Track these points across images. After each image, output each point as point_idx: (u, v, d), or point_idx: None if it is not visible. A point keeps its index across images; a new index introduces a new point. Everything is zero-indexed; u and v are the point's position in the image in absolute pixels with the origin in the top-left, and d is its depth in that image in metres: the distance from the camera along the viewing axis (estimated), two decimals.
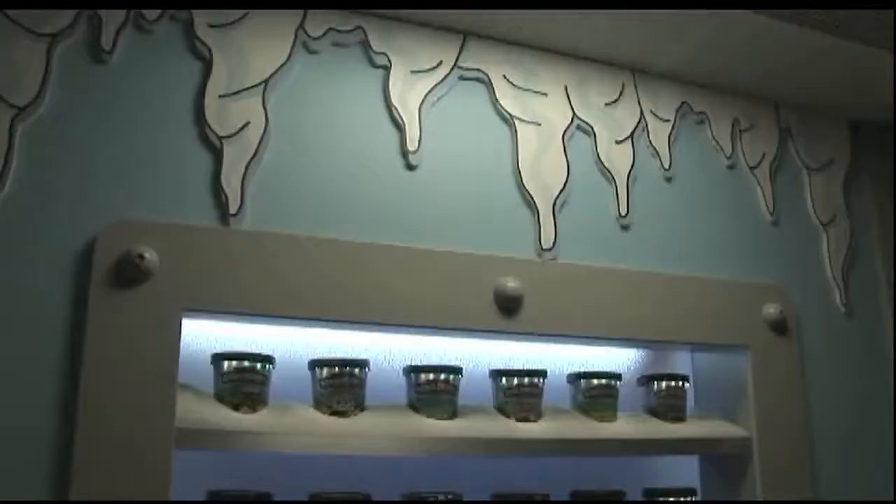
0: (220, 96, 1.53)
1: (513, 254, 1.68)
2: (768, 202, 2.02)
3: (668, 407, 1.76)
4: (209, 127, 1.51)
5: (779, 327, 1.86)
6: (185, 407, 1.37)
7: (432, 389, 1.55)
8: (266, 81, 1.58)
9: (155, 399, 1.33)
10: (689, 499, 1.74)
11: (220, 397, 1.46)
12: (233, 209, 1.49)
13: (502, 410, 1.62)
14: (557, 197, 1.76)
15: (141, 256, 1.35)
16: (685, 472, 1.87)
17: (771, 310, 1.86)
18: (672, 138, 1.95)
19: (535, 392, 1.63)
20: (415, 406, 1.56)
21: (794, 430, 1.83)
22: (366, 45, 1.68)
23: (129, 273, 1.35)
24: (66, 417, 1.30)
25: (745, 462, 1.78)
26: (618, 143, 1.88)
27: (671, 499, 1.72)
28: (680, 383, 1.78)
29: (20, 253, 1.35)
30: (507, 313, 1.59)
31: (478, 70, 1.77)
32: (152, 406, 1.33)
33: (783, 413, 1.83)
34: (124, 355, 1.33)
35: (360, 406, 1.51)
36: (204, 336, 1.53)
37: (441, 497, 1.51)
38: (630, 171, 1.87)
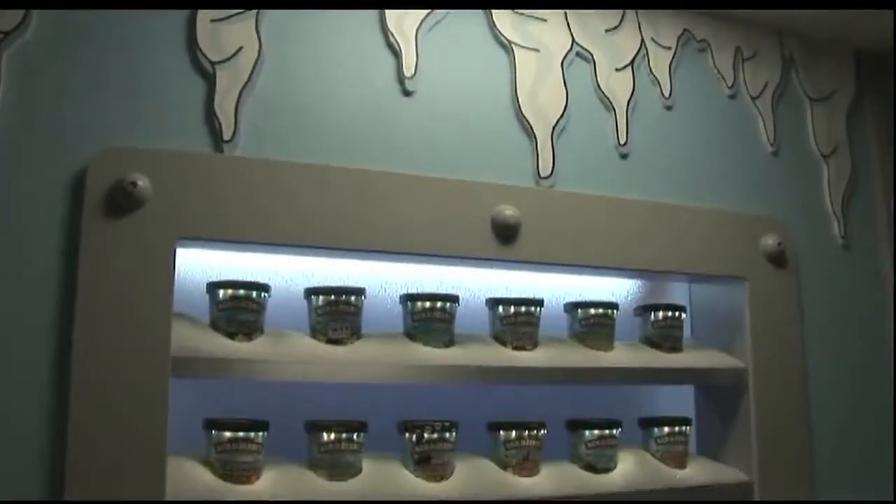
0: (212, 21, 1.50)
1: (510, 181, 1.66)
2: (769, 133, 2.00)
3: (665, 337, 1.76)
4: (201, 52, 1.48)
5: (777, 259, 1.86)
6: (180, 336, 1.37)
7: (429, 318, 1.55)
8: (259, 5, 1.54)
9: (150, 328, 1.33)
10: (683, 428, 1.75)
11: (215, 326, 1.45)
12: (226, 135, 1.47)
13: (499, 339, 1.62)
14: (556, 124, 1.74)
15: (133, 184, 1.34)
16: (681, 402, 1.88)
17: (769, 241, 1.85)
18: (673, 67, 1.91)
19: (531, 321, 1.62)
20: (411, 334, 1.56)
21: (790, 361, 1.84)
22: None
23: (121, 201, 1.34)
24: (62, 350, 1.30)
25: (741, 393, 1.79)
26: (618, 70, 1.85)
27: (666, 428, 1.73)
28: (677, 314, 1.78)
29: (9, 185, 1.33)
30: (505, 241, 1.58)
31: None
32: (148, 336, 1.33)
33: (779, 345, 1.83)
34: (118, 285, 1.32)
35: (356, 334, 1.51)
36: (199, 266, 1.53)
37: (437, 424, 1.52)
38: (630, 100, 1.84)
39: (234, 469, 1.40)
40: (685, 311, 1.81)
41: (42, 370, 1.30)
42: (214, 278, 1.49)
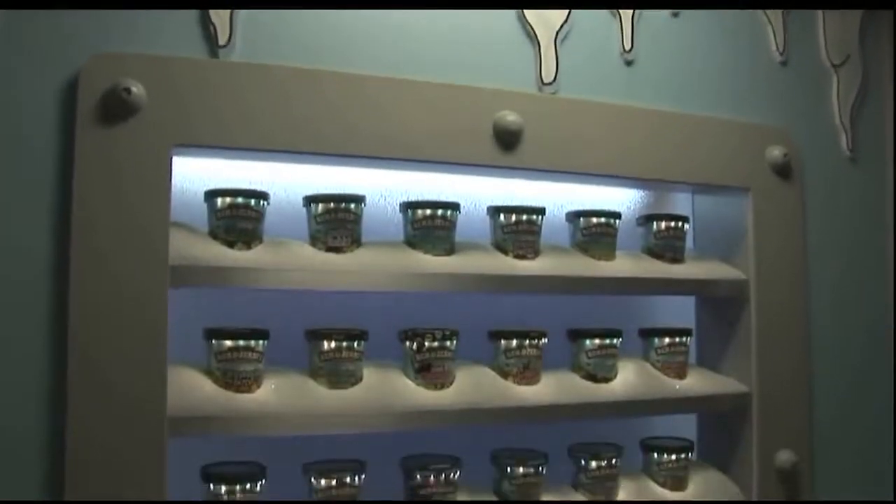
0: None
1: (513, 87, 1.62)
2: (778, 42, 1.94)
3: (667, 247, 1.75)
4: None
5: (782, 170, 1.83)
6: (178, 245, 1.35)
7: (429, 226, 1.54)
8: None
9: (148, 238, 1.32)
10: (683, 339, 1.75)
11: (214, 235, 1.44)
12: (222, 40, 1.44)
13: (500, 247, 1.61)
14: (559, 30, 1.69)
15: (127, 90, 1.30)
16: (681, 313, 1.88)
17: (775, 152, 1.82)
18: None
19: (533, 229, 1.61)
20: (411, 242, 1.55)
21: (792, 274, 1.83)
22: None
23: (115, 108, 1.31)
24: (58, 263, 1.29)
25: (741, 304, 1.79)
26: None
27: (667, 339, 1.73)
28: (679, 224, 1.76)
29: (1, 94, 1.30)
30: (506, 147, 1.55)
31: None
32: (145, 245, 1.31)
33: (782, 257, 1.82)
34: (114, 195, 1.30)
35: (356, 242, 1.50)
36: (196, 177, 1.51)
37: (437, 333, 1.52)
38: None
39: (234, 378, 1.41)
40: (688, 222, 1.79)
41: (39, 283, 1.29)
42: (212, 188, 1.47)
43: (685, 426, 1.86)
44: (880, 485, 1.96)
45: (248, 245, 1.44)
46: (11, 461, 1.27)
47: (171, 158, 1.34)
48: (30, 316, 1.29)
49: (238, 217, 1.43)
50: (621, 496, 1.66)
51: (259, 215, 1.46)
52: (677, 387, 1.72)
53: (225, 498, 1.40)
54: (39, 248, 1.30)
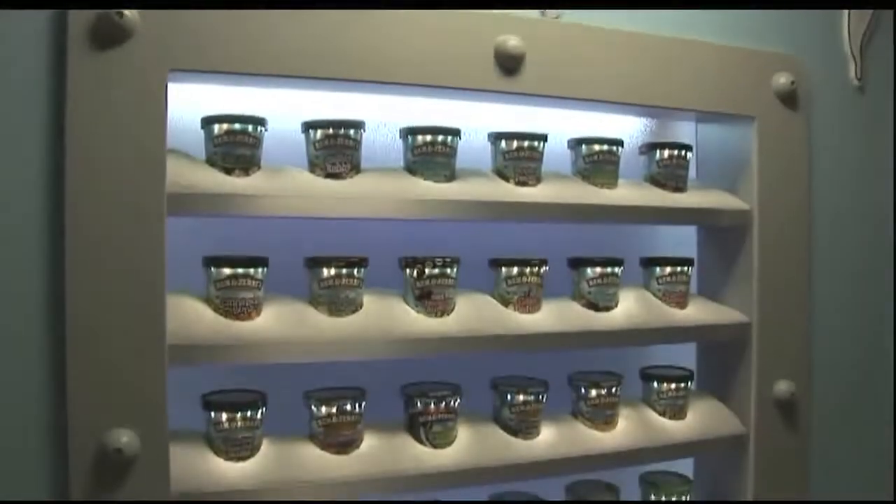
0: None
1: (514, 12, 1.58)
2: None
3: (670, 176, 1.73)
4: None
5: (788, 99, 1.79)
6: (175, 172, 1.33)
7: (429, 152, 1.52)
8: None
9: (144, 166, 1.29)
10: (685, 269, 1.74)
11: (211, 162, 1.42)
12: None
13: (501, 174, 1.59)
14: None
15: (119, 14, 1.26)
16: (683, 243, 1.87)
17: (781, 80, 1.78)
18: None
19: (534, 156, 1.59)
20: (411, 169, 1.53)
21: (795, 204, 1.81)
22: None
23: (108, 33, 1.27)
24: (54, 192, 1.27)
25: (744, 234, 1.77)
26: None
27: (668, 268, 1.73)
28: (682, 153, 1.74)
29: None
30: (508, 73, 1.51)
31: None
32: (142, 173, 1.29)
33: (785, 187, 1.79)
34: (109, 122, 1.28)
35: (355, 168, 1.48)
36: (193, 106, 1.47)
37: (438, 261, 1.51)
38: None
39: (234, 306, 1.40)
40: (691, 151, 1.77)
41: (34, 213, 1.28)
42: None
43: (685, 356, 1.86)
44: (877, 416, 1.97)
45: (245, 172, 1.42)
46: (12, 392, 1.27)
47: (167, 84, 1.31)
48: (25, 245, 1.27)
49: (235, 143, 1.41)
50: (621, 424, 1.68)
51: (257, 141, 1.43)
52: (678, 316, 1.71)
53: (226, 426, 1.41)
54: (32, 178, 1.28)
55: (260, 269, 1.43)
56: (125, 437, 1.26)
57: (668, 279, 1.73)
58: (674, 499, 1.73)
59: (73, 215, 1.26)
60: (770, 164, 1.77)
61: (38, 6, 1.28)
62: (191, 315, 1.38)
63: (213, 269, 1.41)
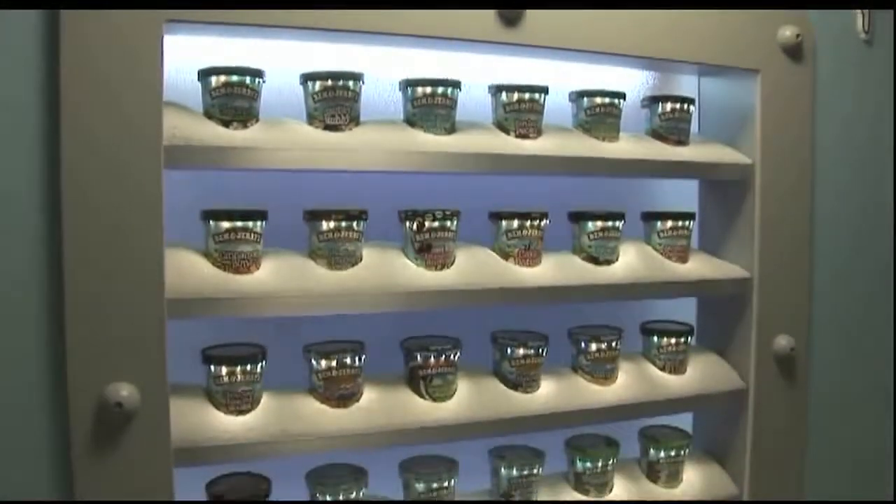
0: None
1: None
2: None
3: (672, 130, 1.71)
4: None
5: (793, 52, 1.77)
6: (172, 125, 1.32)
7: (429, 104, 1.50)
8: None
9: (140, 118, 1.27)
10: (686, 223, 1.73)
11: (208, 114, 1.41)
12: None
13: (501, 127, 1.58)
14: None
15: None
16: (685, 198, 1.86)
17: (787, 33, 1.75)
18: None
19: (535, 108, 1.57)
20: (411, 121, 1.52)
21: (798, 159, 1.79)
22: None
23: None
24: (49, 145, 1.26)
25: (746, 189, 1.76)
26: None
27: (669, 222, 1.72)
28: (685, 106, 1.72)
29: None
30: (509, 23, 1.49)
31: None
32: (138, 126, 1.27)
33: (789, 142, 1.77)
34: (104, 74, 1.25)
35: (354, 121, 1.46)
36: (190, 59, 1.46)
37: (438, 213, 1.50)
38: None
39: (232, 259, 1.40)
40: (693, 104, 1.75)
41: (29, 167, 1.26)
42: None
43: (685, 311, 1.86)
44: (877, 372, 1.97)
45: (243, 124, 1.40)
46: (10, 348, 1.27)
47: (163, 36, 1.29)
48: (22, 200, 1.26)
49: (233, 95, 1.40)
50: (621, 378, 1.68)
51: (255, 93, 1.42)
52: (679, 270, 1.71)
53: (226, 379, 1.41)
54: (28, 133, 1.26)
55: (259, 223, 1.42)
56: (125, 391, 1.26)
57: (669, 233, 1.72)
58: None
59: (69, 170, 1.24)
60: (773, 118, 1.75)
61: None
62: (189, 269, 1.37)
63: (211, 222, 1.40)
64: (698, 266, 1.74)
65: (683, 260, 1.73)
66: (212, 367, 1.42)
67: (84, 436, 1.26)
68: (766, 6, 1.73)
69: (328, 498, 1.48)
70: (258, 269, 1.42)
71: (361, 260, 1.48)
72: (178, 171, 1.34)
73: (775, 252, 1.76)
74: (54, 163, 1.25)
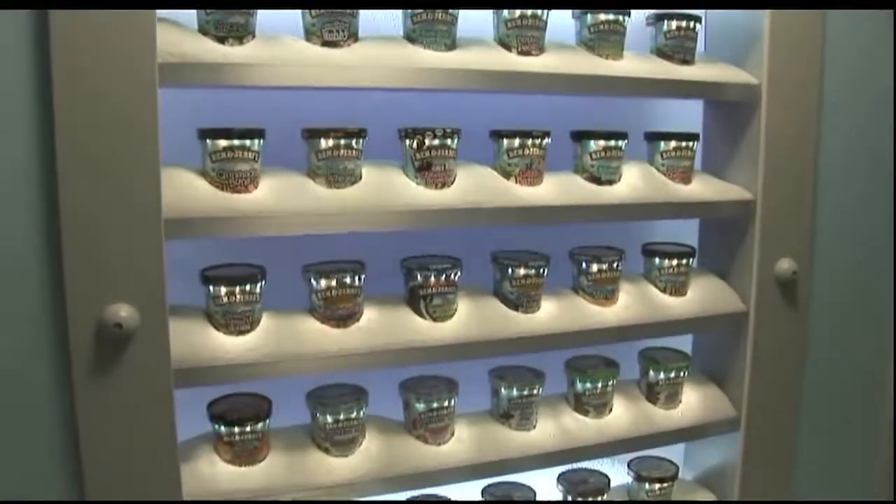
0: None
1: None
2: None
3: (677, 48, 1.68)
4: None
5: None
6: (166, 41, 1.28)
7: (430, 19, 1.46)
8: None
9: (134, 35, 1.24)
10: (690, 144, 1.71)
11: (203, 31, 1.37)
12: None
13: (503, 44, 1.54)
14: None
15: None
16: (688, 119, 1.83)
17: None
18: None
19: (538, 24, 1.54)
20: (411, 37, 1.48)
21: (806, 80, 1.75)
22: None
23: None
24: (42, 66, 1.22)
25: (752, 110, 1.73)
26: None
27: (673, 143, 1.69)
28: (691, 24, 1.68)
29: None
30: None
31: None
32: (131, 43, 1.24)
33: (797, 62, 1.73)
34: None
35: (353, 37, 1.43)
36: None
37: (438, 131, 1.47)
38: None
39: (230, 178, 1.38)
40: (699, 23, 1.71)
41: (23, 88, 1.22)
42: None
43: (687, 233, 1.85)
44: (877, 297, 1.96)
45: (239, 40, 1.37)
46: (8, 271, 1.26)
47: None
48: (16, 121, 1.23)
49: (228, 11, 1.35)
50: (622, 300, 1.68)
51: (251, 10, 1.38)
52: (682, 191, 1.69)
53: (225, 300, 1.40)
54: (19, 48, 1.22)
55: (256, 141, 1.40)
56: (124, 312, 1.26)
57: (673, 154, 1.70)
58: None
59: (62, 86, 1.21)
60: (782, 37, 1.70)
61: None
62: (186, 188, 1.35)
63: (208, 141, 1.38)
64: (701, 187, 1.72)
65: (686, 181, 1.71)
66: (211, 288, 1.41)
67: (84, 358, 1.26)
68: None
69: (329, 418, 1.49)
70: (256, 188, 1.40)
71: (361, 178, 1.46)
72: (173, 90, 1.31)
73: (780, 175, 1.73)
74: (47, 80, 1.22)
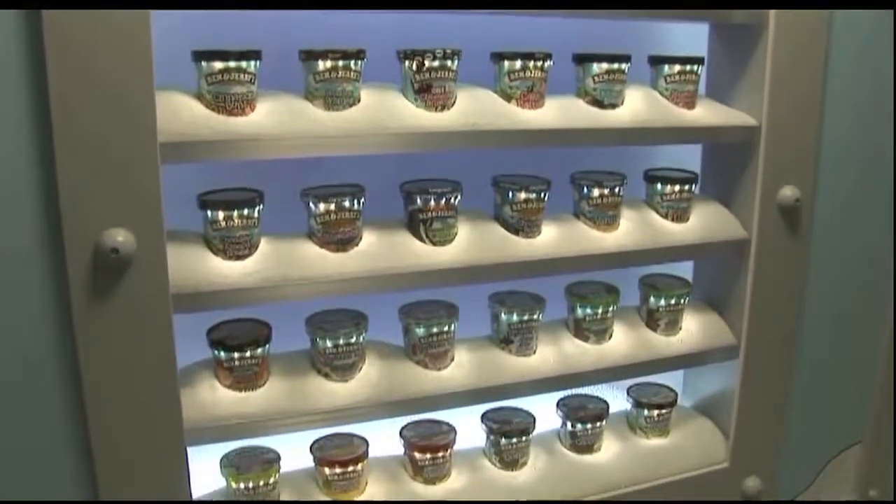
0: None
1: None
2: None
3: None
4: None
5: None
6: None
7: None
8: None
9: None
10: (694, 68, 1.67)
11: None
12: None
13: None
14: None
15: None
16: (693, 43, 1.79)
17: None
18: None
19: None
20: None
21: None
22: None
23: None
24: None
25: (758, 33, 1.68)
26: None
27: (677, 67, 1.66)
28: None
29: None
30: None
31: None
32: None
33: None
34: None
35: None
36: None
37: (438, 52, 1.44)
38: None
39: (226, 101, 1.35)
40: None
41: (12, 15, 1.18)
42: None
43: (690, 159, 1.83)
44: (879, 225, 1.95)
45: None
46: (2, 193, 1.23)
47: None
48: (7, 47, 1.19)
49: None
50: (623, 225, 1.66)
51: None
52: (686, 116, 1.66)
53: (223, 224, 1.39)
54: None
55: (252, 63, 1.37)
56: (121, 237, 1.24)
57: (677, 78, 1.66)
58: None
59: (52, 15, 1.17)
60: None
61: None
62: (182, 111, 1.33)
63: (203, 63, 1.35)
64: (705, 112, 1.69)
65: (690, 106, 1.68)
66: (208, 213, 1.40)
67: (83, 285, 1.25)
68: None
69: (328, 343, 1.49)
70: (253, 110, 1.37)
71: (359, 101, 1.43)
72: (166, 14, 1.27)
73: (786, 101, 1.70)
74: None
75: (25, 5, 1.17)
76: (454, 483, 1.65)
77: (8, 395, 1.28)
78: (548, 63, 1.53)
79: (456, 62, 1.46)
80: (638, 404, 1.82)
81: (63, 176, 1.22)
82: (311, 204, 1.45)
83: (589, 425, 1.75)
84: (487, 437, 1.70)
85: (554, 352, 1.67)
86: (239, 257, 1.40)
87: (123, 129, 1.23)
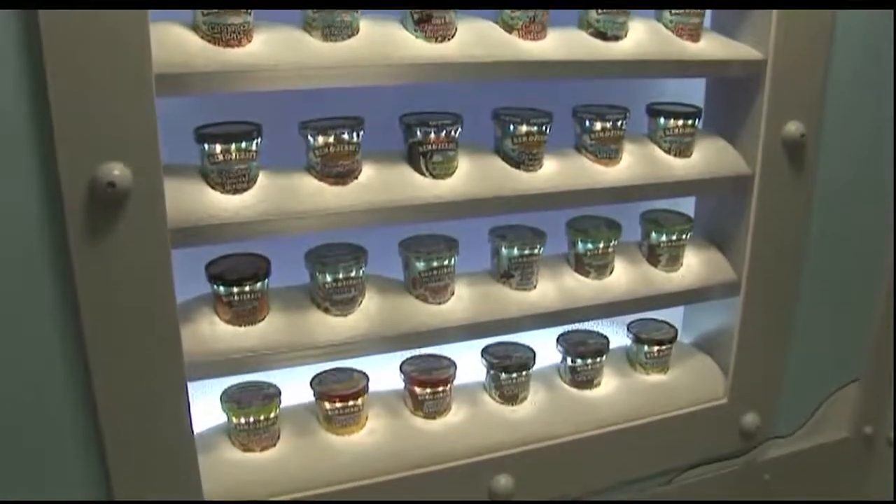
0: None
1: None
2: None
3: None
4: None
5: None
6: None
7: None
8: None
9: None
10: None
11: None
12: None
13: None
14: None
15: None
16: None
17: None
18: None
19: None
20: None
21: None
22: None
23: None
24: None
25: None
26: None
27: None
28: None
29: None
30: None
31: None
32: None
33: None
34: None
35: None
36: None
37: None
38: None
39: (222, 32, 1.32)
40: None
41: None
42: None
43: (694, 94, 1.80)
44: (884, 162, 1.93)
45: None
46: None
47: None
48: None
49: None
50: (625, 160, 1.64)
51: None
52: (690, 49, 1.62)
53: (220, 157, 1.37)
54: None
55: None
56: (116, 171, 1.22)
57: (683, 12, 1.63)
58: None
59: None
60: None
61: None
62: (177, 43, 1.30)
63: None
64: (710, 45, 1.66)
65: (695, 38, 1.65)
66: (206, 146, 1.38)
67: (80, 221, 1.24)
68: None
69: (328, 277, 1.48)
70: (250, 41, 1.34)
71: (358, 31, 1.40)
72: None
73: (793, 35, 1.66)
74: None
75: None
76: (454, 417, 1.66)
77: (6, 330, 1.27)
78: None
79: None
80: (638, 340, 1.82)
81: (57, 109, 1.19)
82: (309, 137, 1.43)
83: (589, 360, 1.75)
84: (487, 372, 1.71)
85: (554, 286, 1.66)
86: (237, 191, 1.39)
87: (117, 61, 1.20)
